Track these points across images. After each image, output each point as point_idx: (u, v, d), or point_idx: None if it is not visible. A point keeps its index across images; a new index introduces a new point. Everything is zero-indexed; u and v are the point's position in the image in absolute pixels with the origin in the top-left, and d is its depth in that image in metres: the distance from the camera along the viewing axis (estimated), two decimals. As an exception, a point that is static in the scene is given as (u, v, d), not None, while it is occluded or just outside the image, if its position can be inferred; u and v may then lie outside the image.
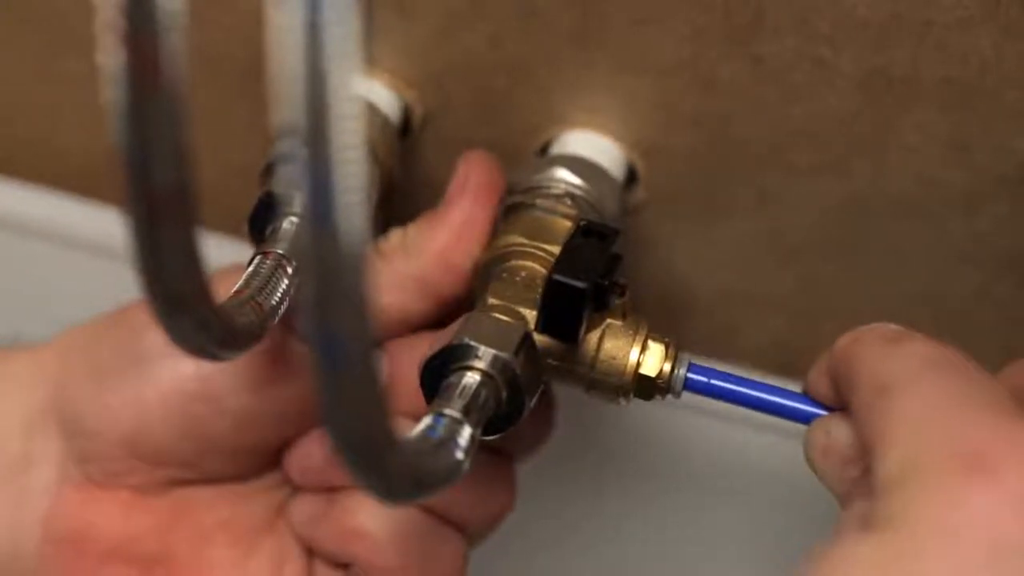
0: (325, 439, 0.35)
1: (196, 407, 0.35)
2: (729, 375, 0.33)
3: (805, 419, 0.32)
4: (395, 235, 0.36)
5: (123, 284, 0.28)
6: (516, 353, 0.31)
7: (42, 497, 0.35)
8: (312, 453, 0.36)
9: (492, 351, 0.30)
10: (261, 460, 0.37)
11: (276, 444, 0.36)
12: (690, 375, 0.33)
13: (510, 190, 0.38)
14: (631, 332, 0.33)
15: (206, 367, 0.34)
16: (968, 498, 0.23)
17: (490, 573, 0.41)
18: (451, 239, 0.35)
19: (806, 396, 0.32)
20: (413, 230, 0.36)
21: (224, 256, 0.33)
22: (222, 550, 0.36)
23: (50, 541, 0.35)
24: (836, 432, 0.30)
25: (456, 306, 0.35)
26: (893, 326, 0.30)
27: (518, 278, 0.34)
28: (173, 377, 0.35)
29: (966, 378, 0.27)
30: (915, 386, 0.27)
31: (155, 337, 0.35)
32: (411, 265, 0.35)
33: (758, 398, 0.33)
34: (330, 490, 0.36)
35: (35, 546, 0.35)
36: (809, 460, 0.31)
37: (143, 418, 0.35)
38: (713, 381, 0.33)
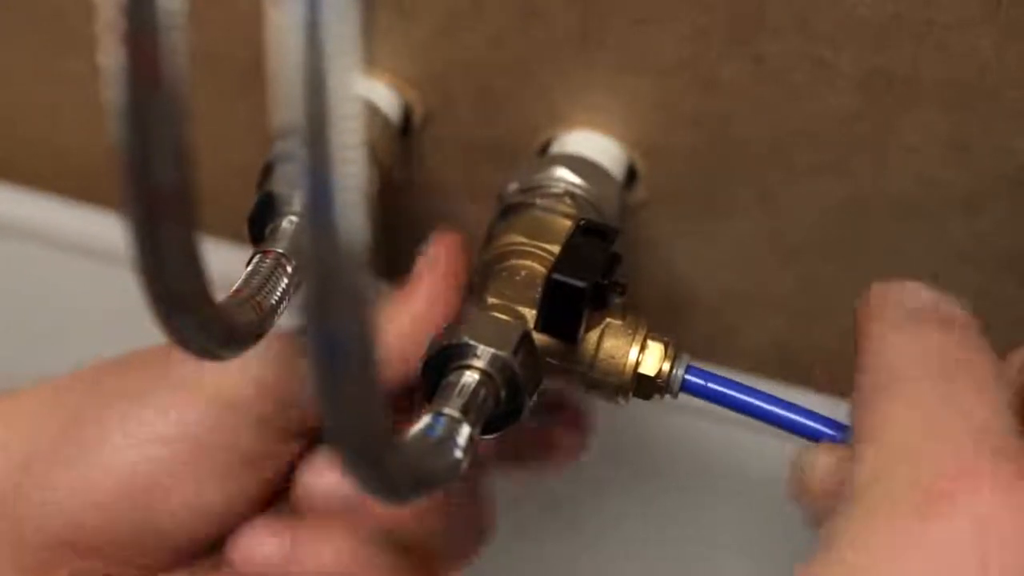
0: (269, 530, 0.35)
1: (138, 504, 0.34)
2: (727, 380, 0.33)
3: (799, 430, 0.32)
4: None
5: (121, 287, 0.28)
6: (515, 352, 0.31)
7: None
8: (258, 546, 0.35)
9: (491, 350, 0.31)
10: (201, 550, 0.36)
11: (220, 538, 0.36)
12: (688, 377, 0.33)
13: (510, 189, 0.38)
14: (630, 331, 0.33)
15: (152, 462, 0.34)
16: (926, 525, 0.23)
17: (489, 572, 0.41)
18: (412, 322, 0.34)
19: (802, 408, 0.32)
20: None
21: (224, 259, 0.33)
22: None
23: None
24: (816, 465, 0.29)
25: (401, 395, 0.34)
26: (926, 293, 0.29)
27: (518, 277, 0.34)
28: (117, 473, 0.34)
29: (967, 388, 0.26)
30: (909, 391, 0.26)
31: (99, 430, 0.34)
32: None
33: (753, 405, 0.32)
34: None
35: None
36: (790, 493, 0.30)
37: (82, 514, 0.34)
38: (710, 384, 0.33)
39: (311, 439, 0.36)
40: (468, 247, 0.36)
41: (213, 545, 0.36)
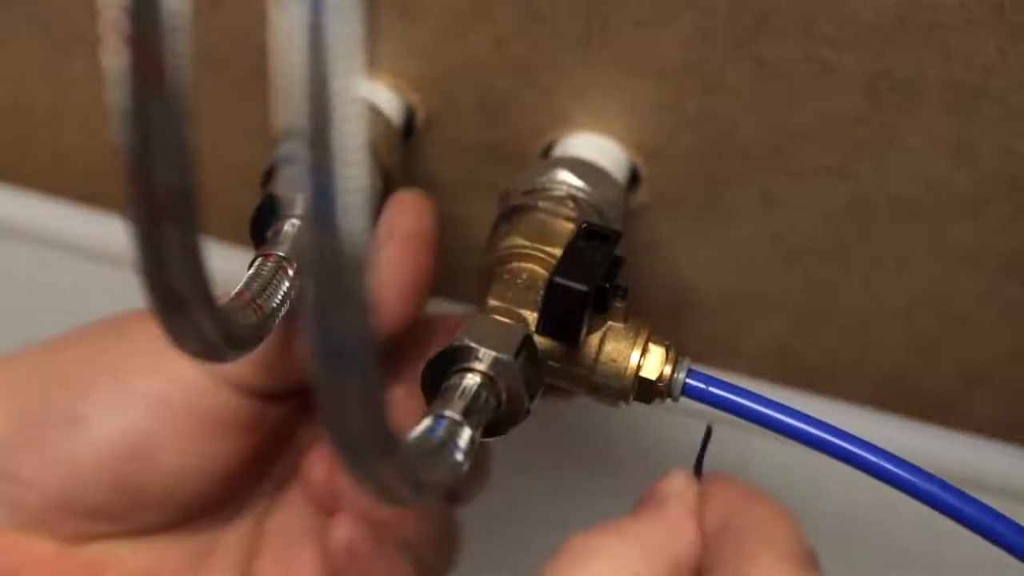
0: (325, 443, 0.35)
1: (130, 467, 0.34)
2: (728, 384, 0.33)
3: (799, 436, 0.32)
4: None
5: (124, 289, 0.28)
6: (516, 355, 0.31)
7: None
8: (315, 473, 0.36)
9: (492, 353, 0.30)
10: (194, 512, 0.37)
11: (211, 498, 0.36)
12: (689, 381, 0.33)
13: (513, 192, 0.38)
14: (632, 335, 0.33)
15: (142, 427, 0.34)
16: None
17: (488, 572, 0.41)
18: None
19: (803, 414, 0.32)
20: None
21: (226, 262, 0.33)
22: None
23: None
24: None
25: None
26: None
27: (519, 280, 0.34)
28: (108, 437, 0.34)
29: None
30: None
31: (90, 393, 0.34)
32: None
33: (754, 410, 0.32)
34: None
35: None
36: None
37: (77, 476, 0.34)
38: (711, 389, 0.33)
39: (298, 401, 0.37)
40: (426, 204, 0.37)
41: (210, 506, 0.37)
